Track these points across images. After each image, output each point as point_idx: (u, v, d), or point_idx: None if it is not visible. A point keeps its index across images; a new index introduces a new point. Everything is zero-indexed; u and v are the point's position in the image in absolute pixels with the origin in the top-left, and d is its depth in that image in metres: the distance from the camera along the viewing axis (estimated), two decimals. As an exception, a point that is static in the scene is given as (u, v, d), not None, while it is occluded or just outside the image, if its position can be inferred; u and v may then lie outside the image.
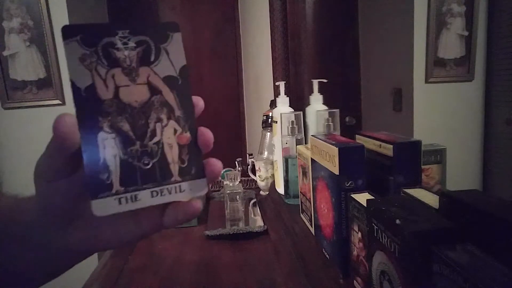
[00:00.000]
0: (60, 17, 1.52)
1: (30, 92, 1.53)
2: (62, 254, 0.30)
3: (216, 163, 0.28)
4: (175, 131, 0.27)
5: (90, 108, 0.25)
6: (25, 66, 1.52)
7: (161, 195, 0.26)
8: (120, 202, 0.25)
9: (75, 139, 0.24)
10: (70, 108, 1.71)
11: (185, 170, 0.27)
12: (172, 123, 0.27)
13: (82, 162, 0.25)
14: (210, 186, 1.26)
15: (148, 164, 0.26)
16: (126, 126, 0.26)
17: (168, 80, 0.27)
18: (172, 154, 0.27)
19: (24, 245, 0.30)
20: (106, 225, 0.29)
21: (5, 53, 1.50)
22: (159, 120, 0.27)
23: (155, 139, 0.26)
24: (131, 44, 0.26)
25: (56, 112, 0.23)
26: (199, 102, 0.28)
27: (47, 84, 1.53)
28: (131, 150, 0.26)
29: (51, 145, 0.25)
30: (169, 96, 0.27)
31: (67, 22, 1.53)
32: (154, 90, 0.27)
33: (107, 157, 0.25)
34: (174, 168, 0.27)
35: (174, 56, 0.27)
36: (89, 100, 0.25)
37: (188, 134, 0.27)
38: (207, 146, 0.27)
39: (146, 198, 0.26)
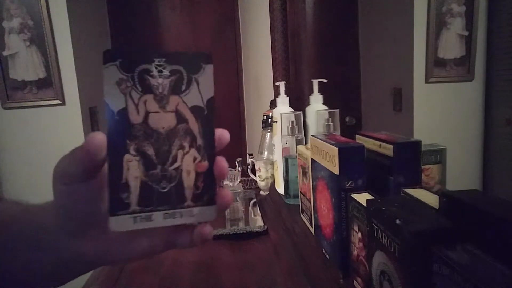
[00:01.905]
0: (60, 17, 1.52)
1: (30, 92, 1.53)
2: (72, 262, 0.30)
3: (227, 195, 0.29)
4: (195, 158, 0.28)
5: (120, 130, 0.26)
6: (25, 66, 1.52)
7: (173, 217, 0.28)
8: (135, 221, 0.27)
9: (101, 156, 0.26)
10: (70, 108, 1.70)
11: (198, 196, 0.28)
12: (193, 151, 0.28)
13: (101, 177, 0.26)
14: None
15: (165, 188, 0.28)
16: (150, 151, 0.27)
17: (195, 109, 0.28)
18: (189, 180, 0.28)
19: (34, 251, 0.30)
20: (120, 240, 0.29)
21: (5, 53, 1.50)
22: (181, 147, 0.28)
23: (175, 165, 0.28)
24: (166, 72, 0.27)
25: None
26: (224, 134, 0.29)
27: (47, 84, 1.53)
28: (152, 173, 0.27)
29: (77, 154, 0.26)
30: (194, 125, 0.28)
31: (67, 22, 1.53)
32: (181, 119, 0.28)
33: (129, 178, 0.27)
34: (189, 193, 0.28)
35: (203, 87, 0.29)
36: (120, 123, 0.26)
37: (206, 163, 0.28)
38: (221, 175, 0.29)
39: (158, 219, 0.27)
